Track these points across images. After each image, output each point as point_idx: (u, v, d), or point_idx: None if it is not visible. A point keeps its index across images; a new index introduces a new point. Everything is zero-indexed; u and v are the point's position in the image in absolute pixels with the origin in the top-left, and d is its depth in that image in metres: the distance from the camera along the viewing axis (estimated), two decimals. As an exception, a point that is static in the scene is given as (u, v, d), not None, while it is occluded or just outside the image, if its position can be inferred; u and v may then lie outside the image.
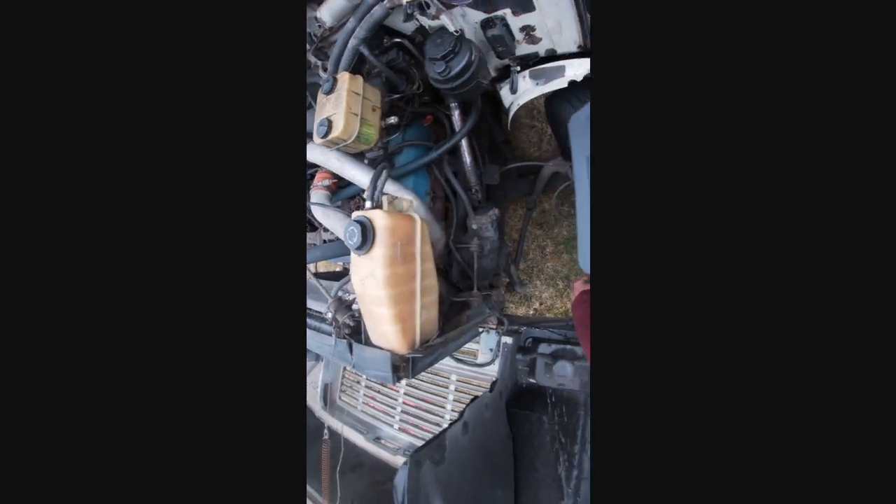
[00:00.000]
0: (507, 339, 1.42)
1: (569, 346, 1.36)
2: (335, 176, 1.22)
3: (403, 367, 0.94)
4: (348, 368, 2.08)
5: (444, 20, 0.90)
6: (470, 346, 1.61)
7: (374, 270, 0.89)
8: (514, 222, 1.82)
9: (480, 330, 1.41)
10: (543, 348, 1.37)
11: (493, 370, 1.47)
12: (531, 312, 1.81)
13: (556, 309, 1.77)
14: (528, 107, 1.77)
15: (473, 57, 0.89)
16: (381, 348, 0.95)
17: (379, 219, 0.88)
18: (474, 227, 1.33)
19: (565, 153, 1.46)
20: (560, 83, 1.06)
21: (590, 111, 0.59)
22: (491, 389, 1.27)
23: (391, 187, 1.13)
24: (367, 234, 0.86)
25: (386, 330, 0.94)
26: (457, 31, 0.92)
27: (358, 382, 2.02)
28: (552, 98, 1.22)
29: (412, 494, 0.81)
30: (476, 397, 1.19)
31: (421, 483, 0.85)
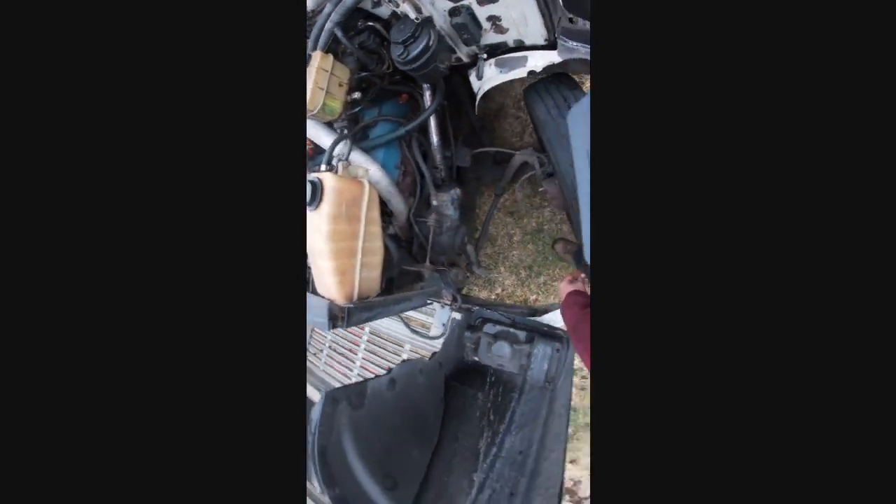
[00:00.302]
0: (457, 316, 1.52)
1: (512, 330, 1.47)
2: (313, 142, 1.33)
3: (341, 317, 1.06)
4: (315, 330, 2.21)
5: (406, 8, 1.00)
6: (426, 319, 1.73)
7: (319, 225, 1.00)
8: (487, 206, 1.92)
9: (430, 302, 1.52)
10: (489, 328, 1.48)
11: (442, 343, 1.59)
12: (492, 297, 1.92)
13: (516, 297, 1.88)
14: (516, 98, 1.85)
15: (431, 42, 0.99)
16: (322, 297, 1.07)
17: (328, 180, 0.99)
18: (434, 203, 1.43)
19: (540, 144, 1.55)
20: (521, 72, 1.15)
21: (589, 104, 0.61)
22: (430, 357, 1.38)
23: (359, 157, 1.23)
24: (316, 192, 0.98)
25: (327, 281, 1.05)
26: (417, 18, 1.02)
27: (321, 350, 2.16)
28: (527, 91, 1.31)
29: (324, 428, 0.92)
30: (407, 360, 1.31)
31: (335, 420, 0.96)
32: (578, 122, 0.63)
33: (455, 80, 1.47)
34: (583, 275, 1.16)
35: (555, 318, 1.46)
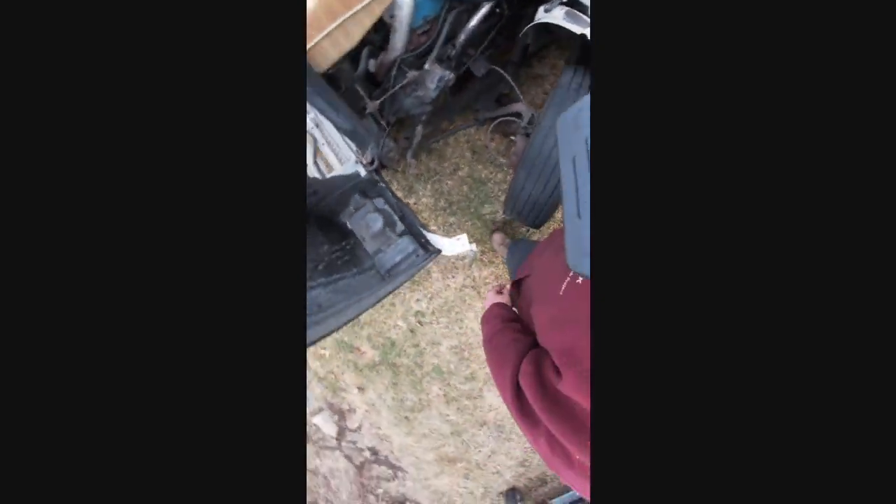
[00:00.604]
0: (362, 173, 1.52)
1: (396, 217, 1.49)
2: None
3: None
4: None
5: None
6: (334, 161, 1.69)
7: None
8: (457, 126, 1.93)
9: (351, 145, 1.50)
10: (378, 202, 1.50)
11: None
12: (400, 194, 1.94)
13: (422, 216, 1.93)
14: (551, 64, 1.89)
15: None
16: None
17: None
18: (426, 68, 1.41)
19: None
20: (577, 29, 1.19)
21: (584, 108, 0.55)
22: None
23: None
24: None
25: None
26: None
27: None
28: (567, 63, 1.35)
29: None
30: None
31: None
32: (568, 128, 0.63)
33: (529, 11, 1.46)
34: (507, 286, 1.13)
35: (437, 241, 1.53)
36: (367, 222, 1.48)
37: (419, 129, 1.63)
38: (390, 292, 1.33)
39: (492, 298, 1.03)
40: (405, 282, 1.37)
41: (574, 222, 0.57)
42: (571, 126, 0.62)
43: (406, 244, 1.44)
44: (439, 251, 1.45)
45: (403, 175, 1.96)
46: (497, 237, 2.02)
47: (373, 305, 1.43)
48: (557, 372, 0.63)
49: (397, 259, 1.44)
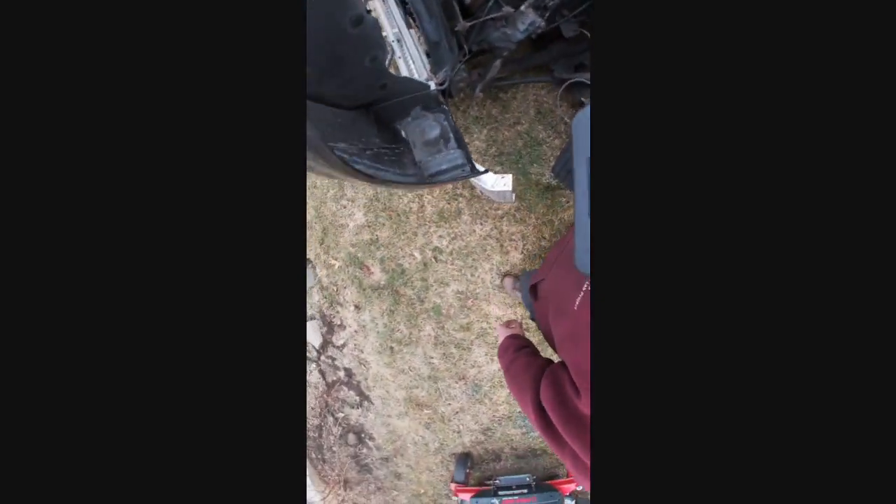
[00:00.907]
0: (433, 87, 1.62)
1: (451, 133, 1.58)
2: None
3: None
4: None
5: None
6: (411, 66, 1.80)
7: None
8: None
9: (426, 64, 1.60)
10: (440, 118, 1.59)
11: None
12: (458, 120, 2.03)
13: (470, 144, 2.02)
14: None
15: None
16: None
17: None
18: (521, 9, 1.51)
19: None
20: None
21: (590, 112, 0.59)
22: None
23: None
24: None
25: None
26: None
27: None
28: None
29: None
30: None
31: None
32: (582, 128, 0.63)
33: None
34: (518, 321, 1.21)
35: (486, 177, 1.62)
36: (422, 129, 1.57)
37: (497, 63, 1.72)
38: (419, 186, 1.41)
39: (503, 332, 1.10)
40: (440, 185, 1.45)
41: (585, 222, 0.59)
42: (584, 126, 0.63)
43: (457, 156, 1.53)
44: (486, 171, 1.54)
45: (463, 115, 2.05)
46: (508, 281, 2.12)
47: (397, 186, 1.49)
48: (576, 390, 0.66)
49: (444, 167, 1.53)
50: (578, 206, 0.62)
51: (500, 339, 1.08)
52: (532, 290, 1.19)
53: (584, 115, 0.63)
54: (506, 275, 2.17)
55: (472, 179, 1.74)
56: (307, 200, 2.46)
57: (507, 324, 1.16)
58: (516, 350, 0.96)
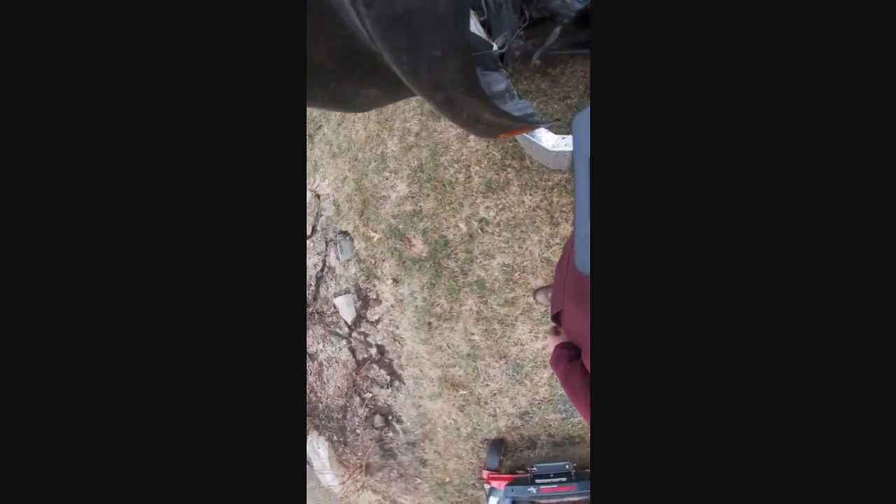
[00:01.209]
0: (495, 46, 1.65)
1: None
2: None
3: None
4: None
5: None
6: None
7: None
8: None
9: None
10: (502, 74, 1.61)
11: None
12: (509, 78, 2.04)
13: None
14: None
15: None
16: None
17: None
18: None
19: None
20: None
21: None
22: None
23: None
24: None
25: None
26: None
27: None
28: None
29: None
30: None
31: None
32: (582, 127, 0.64)
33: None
34: (554, 324, 1.19)
35: (545, 133, 1.63)
36: (489, 81, 1.59)
37: (557, 30, 1.76)
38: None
39: (552, 342, 1.09)
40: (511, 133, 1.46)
41: (586, 222, 0.59)
42: (587, 127, 0.63)
43: (526, 105, 1.54)
44: (558, 121, 1.55)
45: (514, 85, 2.08)
46: (541, 296, 2.15)
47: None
48: None
49: (517, 115, 1.54)
50: (579, 206, 0.63)
51: (550, 348, 1.06)
52: (555, 318, 1.16)
53: (584, 115, 0.63)
54: (538, 290, 2.16)
55: (528, 144, 1.74)
56: (346, 173, 2.47)
57: (555, 330, 1.13)
58: (570, 361, 0.95)
